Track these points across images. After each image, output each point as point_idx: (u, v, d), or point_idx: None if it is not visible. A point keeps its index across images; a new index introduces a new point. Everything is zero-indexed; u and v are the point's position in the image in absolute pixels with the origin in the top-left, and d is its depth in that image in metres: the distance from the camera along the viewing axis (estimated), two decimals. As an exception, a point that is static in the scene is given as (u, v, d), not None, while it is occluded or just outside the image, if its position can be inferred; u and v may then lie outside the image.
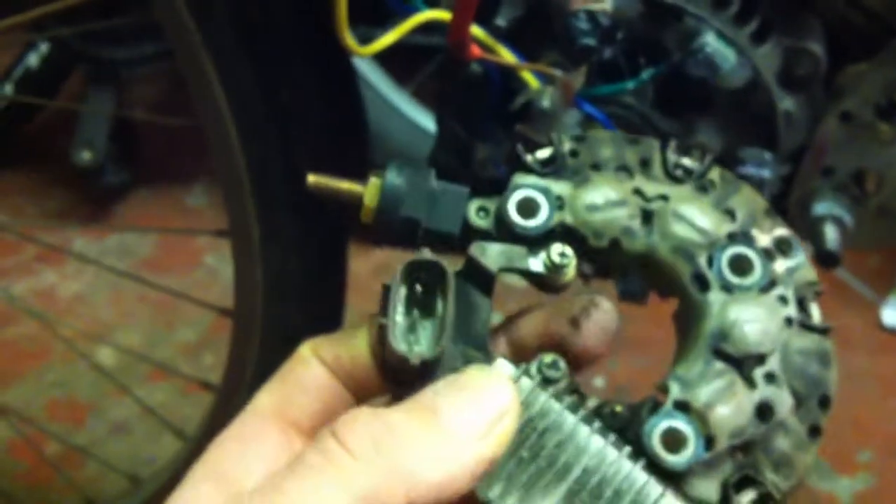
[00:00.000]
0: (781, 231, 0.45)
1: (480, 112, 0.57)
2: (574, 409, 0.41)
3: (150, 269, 1.49)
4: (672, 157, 0.46)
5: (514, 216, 0.44)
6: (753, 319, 0.43)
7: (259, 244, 0.74)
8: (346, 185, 0.45)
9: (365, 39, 0.56)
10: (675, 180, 0.46)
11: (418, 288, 0.43)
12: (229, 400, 0.82)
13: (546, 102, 0.53)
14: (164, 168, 1.62)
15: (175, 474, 0.93)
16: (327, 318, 0.82)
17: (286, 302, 0.77)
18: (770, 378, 0.42)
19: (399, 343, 0.41)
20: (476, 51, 0.54)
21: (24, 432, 1.19)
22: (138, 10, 1.12)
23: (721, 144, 0.57)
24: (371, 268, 1.45)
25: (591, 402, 0.42)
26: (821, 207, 0.59)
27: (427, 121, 1.39)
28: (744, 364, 0.42)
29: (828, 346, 0.43)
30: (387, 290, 0.42)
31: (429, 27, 0.57)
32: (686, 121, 0.57)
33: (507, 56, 0.55)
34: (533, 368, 0.42)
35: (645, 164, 0.46)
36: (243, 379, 0.81)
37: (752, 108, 0.57)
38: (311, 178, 0.46)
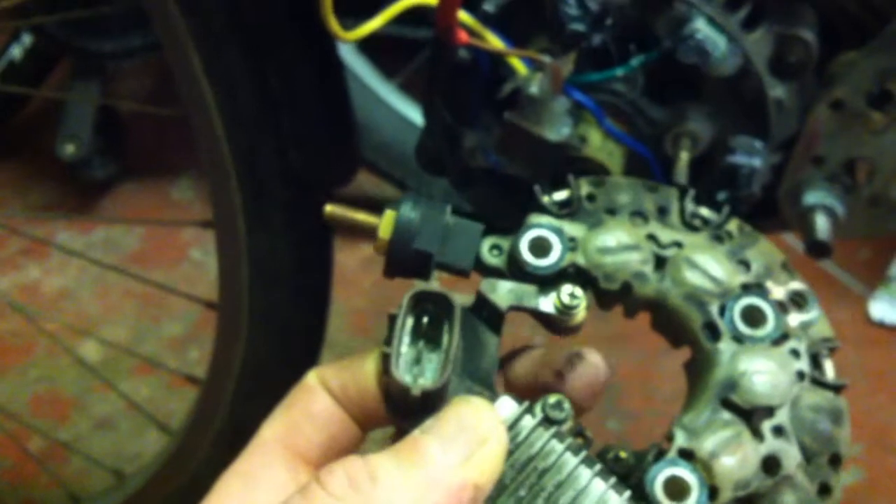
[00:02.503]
0: (797, 285, 0.45)
1: (468, 99, 0.56)
2: (576, 450, 0.41)
3: (136, 263, 1.48)
4: (690, 205, 0.46)
5: (527, 255, 0.44)
6: (763, 371, 0.42)
7: (244, 236, 0.73)
8: (361, 216, 0.47)
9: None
10: (692, 228, 0.46)
11: (425, 319, 0.43)
12: (215, 394, 0.82)
13: (534, 89, 0.52)
14: (151, 161, 1.60)
15: (160, 469, 0.92)
16: (313, 311, 0.81)
17: (272, 295, 0.76)
18: (778, 431, 0.42)
19: (402, 373, 0.40)
20: (464, 36, 0.53)
21: (7, 428, 1.17)
22: (123, -1, 1.11)
23: (711, 132, 0.56)
24: (358, 262, 1.45)
25: (595, 446, 0.42)
26: (811, 197, 0.59)
27: (415, 113, 1.38)
28: (752, 416, 0.42)
29: (841, 405, 0.43)
30: (392, 320, 0.41)
31: (417, 19, 0.56)
32: (676, 108, 0.56)
33: (495, 42, 0.54)
34: (537, 408, 0.41)
35: (662, 212, 0.46)
36: (229, 373, 0.80)
37: (743, 95, 0.56)
38: (329, 209, 0.47)
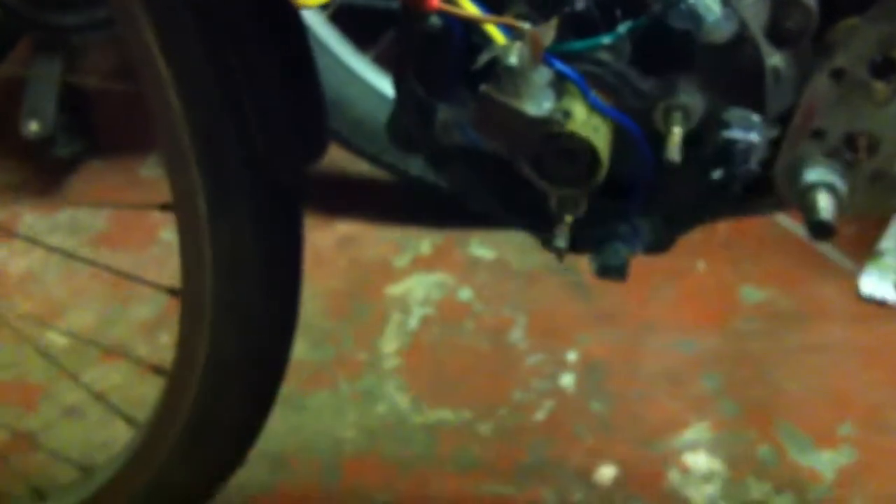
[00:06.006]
0: None
1: (441, 71, 0.52)
2: None
3: (104, 245, 1.43)
4: None
5: None
6: None
7: (206, 219, 0.68)
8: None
9: None
10: None
11: None
12: (181, 385, 0.77)
13: (513, 59, 0.48)
14: (118, 138, 1.56)
15: (128, 462, 0.88)
16: (283, 298, 0.77)
17: (238, 281, 0.72)
18: None
19: None
20: (435, 2, 0.49)
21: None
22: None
23: (704, 105, 0.52)
24: (334, 241, 1.41)
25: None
26: (811, 174, 0.55)
27: (390, 88, 1.34)
28: None
29: None
30: None
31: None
32: (666, 80, 0.52)
33: (469, 8, 0.50)
34: None
35: None
36: (195, 363, 0.76)
37: (738, 64, 0.52)
38: None
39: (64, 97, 1.46)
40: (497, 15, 0.49)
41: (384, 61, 1.35)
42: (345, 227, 1.42)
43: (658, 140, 0.52)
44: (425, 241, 1.39)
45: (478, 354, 1.24)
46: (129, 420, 0.86)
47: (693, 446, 1.12)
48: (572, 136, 0.51)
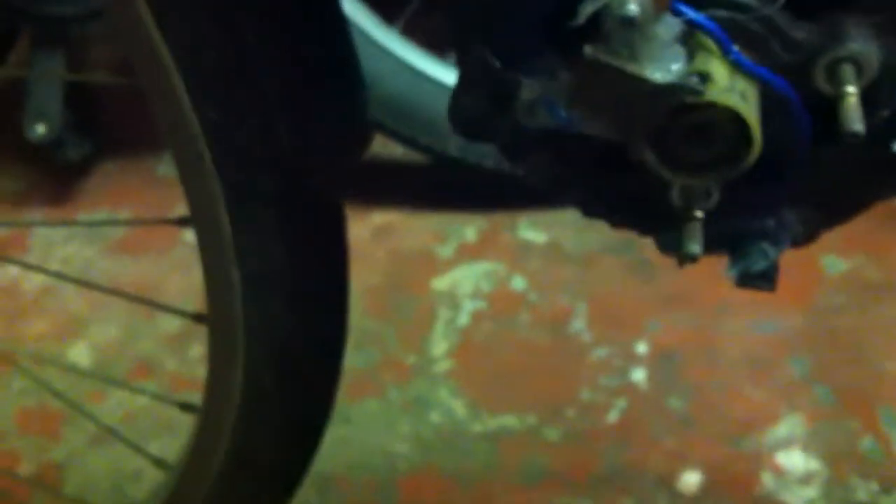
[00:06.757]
0: None
1: (525, 32, 0.39)
2: None
3: (124, 252, 1.33)
4: None
5: None
6: None
7: (230, 234, 0.57)
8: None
9: None
10: None
11: None
12: (215, 425, 0.67)
13: (632, 8, 0.36)
14: (130, 135, 1.45)
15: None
16: (328, 315, 0.65)
17: (273, 302, 0.61)
18: None
19: None
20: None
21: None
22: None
23: (882, 55, 0.40)
24: (370, 232, 1.30)
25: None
26: None
27: (421, 61, 1.23)
28: None
29: None
30: None
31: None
32: (830, 24, 0.39)
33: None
34: None
35: None
36: (229, 399, 0.65)
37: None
38: None
39: (69, 95, 1.36)
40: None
41: (413, 32, 1.23)
42: (381, 217, 1.30)
43: (818, 105, 0.40)
44: (470, 228, 1.27)
45: (537, 350, 1.13)
46: (158, 462, 0.76)
47: (786, 443, 1.01)
48: (713, 107, 0.39)
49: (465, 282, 1.22)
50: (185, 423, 0.83)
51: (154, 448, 1.09)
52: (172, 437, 1.08)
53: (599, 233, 1.20)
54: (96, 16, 1.32)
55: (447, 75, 1.22)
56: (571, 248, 1.24)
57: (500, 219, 1.27)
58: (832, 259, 1.17)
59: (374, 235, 1.29)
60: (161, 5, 0.49)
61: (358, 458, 1.07)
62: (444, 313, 1.18)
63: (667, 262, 0.61)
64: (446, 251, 1.25)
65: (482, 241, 1.26)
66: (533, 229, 1.26)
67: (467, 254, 1.25)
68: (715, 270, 1.27)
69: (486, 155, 1.22)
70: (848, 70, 0.39)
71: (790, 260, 1.26)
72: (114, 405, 1.16)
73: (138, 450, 0.80)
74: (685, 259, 0.43)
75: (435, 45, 1.23)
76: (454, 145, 1.23)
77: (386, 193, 1.32)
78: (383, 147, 1.31)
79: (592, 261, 1.22)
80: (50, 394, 1.07)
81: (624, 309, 1.16)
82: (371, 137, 0.60)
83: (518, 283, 1.21)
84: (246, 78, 0.53)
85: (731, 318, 1.13)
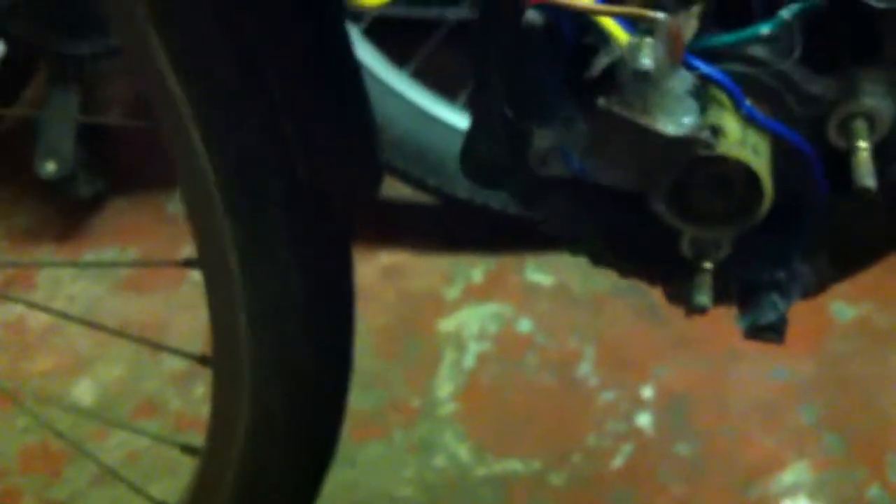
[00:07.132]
0: None
1: (540, 81, 0.40)
2: None
3: (131, 290, 1.33)
4: None
5: None
6: None
7: (239, 275, 0.57)
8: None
9: None
10: None
11: None
12: (216, 468, 0.66)
13: (645, 61, 0.36)
14: (141, 173, 1.46)
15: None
16: (333, 359, 0.65)
17: (279, 345, 0.60)
18: None
19: None
20: (532, -10, 0.37)
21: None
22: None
23: (893, 111, 0.40)
24: (378, 272, 1.29)
25: None
26: None
27: (431, 104, 1.24)
28: None
29: None
30: None
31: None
32: (844, 78, 0.39)
33: (579, -3, 0.37)
34: None
35: None
36: (231, 442, 0.64)
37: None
38: None
39: (81, 132, 1.37)
40: (619, 3, 0.37)
41: (424, 75, 1.24)
42: (389, 258, 1.30)
43: (830, 158, 0.40)
44: (477, 269, 1.27)
45: (543, 393, 1.12)
46: (160, 504, 0.75)
47: (794, 490, 1.00)
48: (725, 160, 0.38)
49: (471, 323, 1.21)
50: (188, 465, 0.82)
51: (156, 489, 1.09)
52: (174, 478, 1.07)
53: (608, 276, 1.19)
54: (113, 54, 1.34)
55: (457, 118, 1.23)
56: (579, 291, 1.23)
57: (507, 260, 1.27)
58: (841, 306, 1.17)
59: (382, 275, 1.29)
60: (178, 47, 0.49)
61: (362, 503, 1.06)
62: (450, 355, 1.18)
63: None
64: (453, 292, 1.25)
65: (489, 283, 1.26)
66: (540, 271, 1.26)
67: (474, 295, 1.24)
68: (725, 315, 1.26)
69: (494, 197, 1.22)
70: (861, 125, 0.39)
71: (800, 306, 1.25)
72: (116, 444, 1.15)
73: (139, 491, 0.79)
74: (694, 310, 0.43)
75: (445, 88, 1.23)
76: (463, 187, 1.23)
77: (394, 234, 1.32)
78: (392, 188, 1.31)
79: (600, 304, 1.21)
80: (52, 433, 1.06)
81: (632, 353, 1.15)
82: (383, 179, 0.61)
83: (525, 325, 1.20)
84: (261, 121, 0.53)
85: (740, 363, 1.13)
